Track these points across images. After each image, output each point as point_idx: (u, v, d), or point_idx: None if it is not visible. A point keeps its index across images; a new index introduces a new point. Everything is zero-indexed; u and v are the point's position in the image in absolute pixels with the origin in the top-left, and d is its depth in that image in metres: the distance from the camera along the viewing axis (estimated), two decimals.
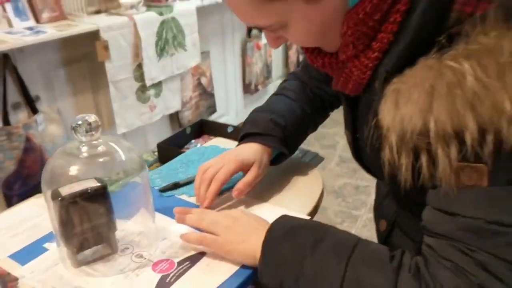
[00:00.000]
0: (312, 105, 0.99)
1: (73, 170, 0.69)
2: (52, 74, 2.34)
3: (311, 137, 1.04)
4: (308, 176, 0.96)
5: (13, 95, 2.19)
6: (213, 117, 3.15)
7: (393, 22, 0.55)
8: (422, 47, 0.53)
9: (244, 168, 0.87)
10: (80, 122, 0.68)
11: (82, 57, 2.41)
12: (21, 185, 2.21)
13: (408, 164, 0.55)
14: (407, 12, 0.54)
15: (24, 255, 0.76)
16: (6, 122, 2.17)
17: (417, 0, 0.54)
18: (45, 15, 2.28)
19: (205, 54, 3.09)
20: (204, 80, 3.13)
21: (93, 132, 0.68)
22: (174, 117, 2.98)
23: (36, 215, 0.88)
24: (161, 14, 2.55)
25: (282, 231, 0.67)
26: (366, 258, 0.60)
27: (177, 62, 2.72)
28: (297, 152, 1.74)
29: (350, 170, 2.99)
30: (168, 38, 2.63)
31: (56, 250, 0.75)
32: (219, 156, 0.90)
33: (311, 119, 0.99)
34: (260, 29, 0.63)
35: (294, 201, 0.88)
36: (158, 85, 2.66)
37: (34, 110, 2.24)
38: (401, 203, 0.82)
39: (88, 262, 0.73)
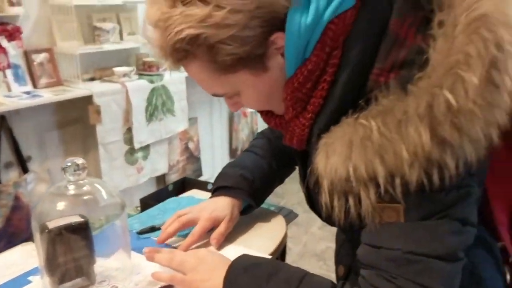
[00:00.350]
0: (278, 161, 1.09)
1: (60, 206, 0.79)
2: (45, 136, 2.46)
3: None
4: (272, 222, 1.06)
5: (6, 155, 2.29)
6: None
7: (321, 89, 0.67)
8: (346, 108, 0.65)
9: (217, 223, 0.97)
10: (69, 164, 0.78)
11: (75, 121, 2.55)
12: (6, 242, 2.25)
13: (341, 206, 0.65)
14: (332, 83, 0.66)
15: (9, 286, 0.83)
16: None
17: (339, 74, 0.66)
18: (42, 81, 2.44)
19: (193, 120, 3.25)
20: (191, 145, 3.26)
21: (80, 172, 0.79)
22: (161, 180, 3.08)
23: (22, 261, 0.93)
24: (152, 82, 2.73)
25: (242, 267, 0.76)
26: (311, 286, 0.70)
27: (165, 127, 2.86)
28: (273, 208, 1.85)
29: (332, 234, 3.05)
30: (158, 104, 2.78)
31: (39, 282, 0.83)
32: (195, 207, 1.00)
33: (277, 174, 1.10)
34: (220, 96, 0.75)
35: (258, 242, 0.97)
36: (146, 148, 2.78)
37: (25, 170, 2.34)
38: (355, 248, 0.91)
39: None
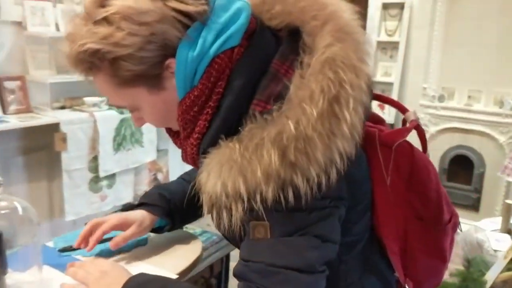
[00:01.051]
0: None
1: None
2: (10, 161, 2.52)
3: None
4: (190, 244, 1.12)
5: None
6: None
7: (206, 113, 0.76)
8: (228, 132, 0.73)
9: (126, 226, 1.03)
10: None
11: (41, 147, 2.61)
12: None
13: (218, 219, 0.73)
14: (217, 108, 0.75)
15: None
16: None
17: (223, 101, 0.74)
18: (12, 107, 2.51)
19: (163, 152, 3.32)
20: (160, 176, 3.32)
21: None
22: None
23: None
24: (121, 112, 2.81)
25: (136, 284, 0.82)
26: None
27: (133, 157, 2.93)
28: (214, 237, 1.90)
29: None
30: (126, 135, 2.86)
31: None
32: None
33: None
34: (123, 108, 0.84)
35: (169, 262, 1.03)
36: (112, 176, 2.84)
37: None
38: None
39: None
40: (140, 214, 1.06)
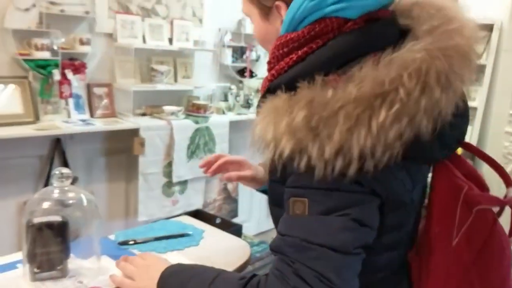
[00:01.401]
0: None
1: (45, 205, 0.96)
2: (93, 161, 2.73)
3: None
4: (239, 249, 1.16)
5: None
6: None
7: (291, 59, 0.78)
8: (295, 83, 0.74)
9: (246, 167, 1.16)
10: (56, 172, 0.95)
11: (122, 150, 2.80)
12: None
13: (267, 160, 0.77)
14: (301, 59, 0.78)
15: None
16: None
17: (309, 56, 0.77)
18: (99, 112, 2.73)
19: None
20: (230, 186, 3.41)
21: (64, 179, 0.95)
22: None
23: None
24: (197, 122, 2.94)
25: (170, 272, 0.87)
26: (223, 281, 0.80)
27: None
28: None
29: None
30: (200, 144, 2.99)
31: (22, 269, 0.99)
32: None
33: None
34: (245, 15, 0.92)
35: (217, 263, 1.07)
36: (184, 183, 2.97)
37: None
38: None
39: (42, 279, 0.96)
40: (259, 166, 1.16)
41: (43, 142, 2.51)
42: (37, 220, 0.94)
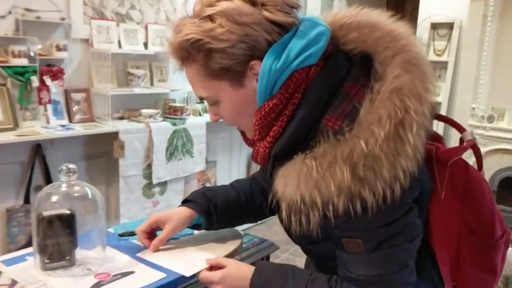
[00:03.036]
0: (249, 197, 1.22)
1: (54, 199, 1.02)
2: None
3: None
4: (231, 235, 1.23)
5: (37, 179, 2.58)
6: None
7: (282, 121, 0.86)
8: (298, 140, 0.85)
9: (162, 224, 1.16)
10: (63, 167, 1.02)
11: (101, 154, 2.84)
12: None
13: (296, 221, 0.84)
14: (291, 117, 0.86)
15: (10, 261, 1.06)
16: (27, 201, 2.54)
17: (297, 112, 0.85)
18: (77, 117, 2.76)
19: (212, 163, 3.49)
20: (208, 185, 3.48)
21: (71, 174, 1.02)
22: None
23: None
24: (174, 124, 3.01)
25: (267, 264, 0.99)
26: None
27: (183, 167, 3.11)
28: (255, 239, 2.02)
29: None
30: (178, 145, 3.05)
31: (32, 260, 1.04)
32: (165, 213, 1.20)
33: (243, 208, 1.20)
34: (202, 100, 0.96)
35: (211, 249, 1.15)
36: (163, 184, 3.02)
37: None
38: (317, 269, 1.08)
39: (53, 268, 1.02)
40: (178, 212, 1.16)
41: (24, 148, 2.53)
42: (46, 213, 1.00)
